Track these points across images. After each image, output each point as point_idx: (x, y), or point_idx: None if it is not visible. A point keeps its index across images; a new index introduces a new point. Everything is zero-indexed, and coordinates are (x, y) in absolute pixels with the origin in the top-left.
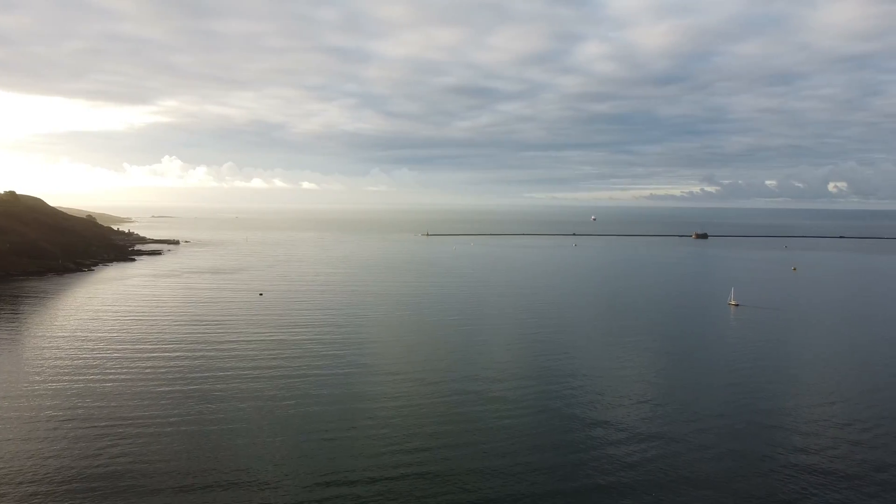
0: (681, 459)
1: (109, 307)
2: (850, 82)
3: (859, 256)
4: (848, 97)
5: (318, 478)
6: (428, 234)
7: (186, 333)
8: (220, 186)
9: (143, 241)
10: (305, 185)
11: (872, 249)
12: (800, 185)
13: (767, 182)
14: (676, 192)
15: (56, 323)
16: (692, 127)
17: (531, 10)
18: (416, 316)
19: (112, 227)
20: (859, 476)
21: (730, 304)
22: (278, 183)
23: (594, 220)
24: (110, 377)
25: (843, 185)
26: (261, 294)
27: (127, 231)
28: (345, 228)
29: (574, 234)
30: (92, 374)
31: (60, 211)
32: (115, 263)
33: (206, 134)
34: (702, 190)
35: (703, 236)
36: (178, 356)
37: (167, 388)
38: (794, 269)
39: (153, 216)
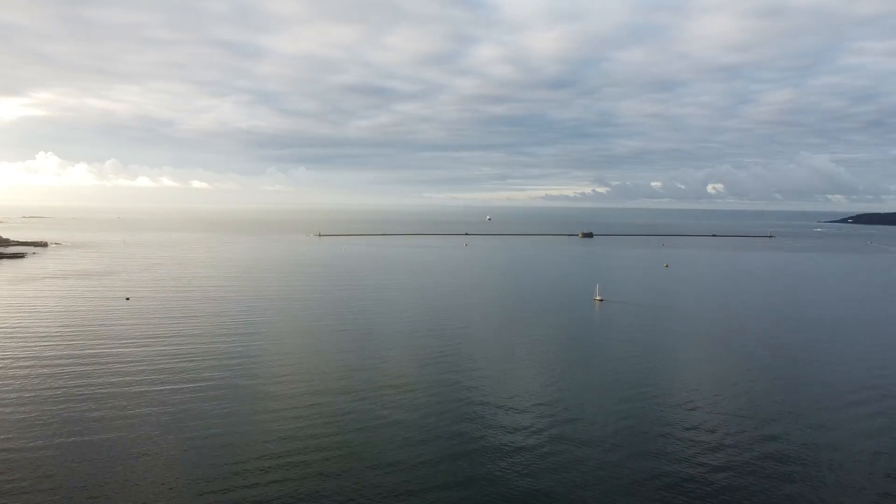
0: (518, 471)
1: None
2: (725, 91)
3: (726, 254)
4: (723, 104)
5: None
6: (320, 235)
7: (34, 345)
8: (103, 185)
9: (7, 243)
10: (196, 183)
11: (739, 247)
12: (682, 186)
13: (653, 183)
14: (570, 192)
15: None
16: (583, 130)
17: (426, 10)
18: (291, 320)
19: None
20: (696, 479)
21: (595, 299)
22: (167, 182)
23: (489, 219)
24: None
25: (720, 186)
26: (127, 299)
27: None
28: (235, 229)
29: (466, 234)
30: None
31: None
32: None
33: (86, 129)
34: (593, 191)
35: (589, 235)
36: (23, 371)
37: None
38: (666, 265)
39: (24, 216)
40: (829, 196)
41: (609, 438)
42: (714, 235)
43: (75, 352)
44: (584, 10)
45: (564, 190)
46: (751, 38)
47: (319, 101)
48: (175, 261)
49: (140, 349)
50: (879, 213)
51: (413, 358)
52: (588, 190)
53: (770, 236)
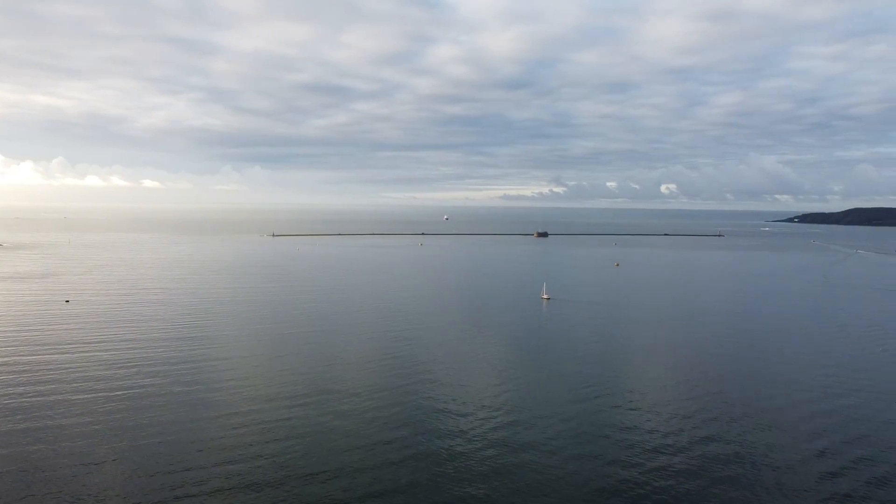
0: (459, 477)
1: None
2: (678, 92)
3: (677, 252)
4: (676, 106)
5: None
6: (274, 235)
7: None
8: (49, 184)
9: None
10: (148, 183)
11: (689, 246)
12: (636, 186)
13: (608, 184)
14: (528, 192)
15: None
16: (541, 130)
17: (383, 9)
18: (237, 324)
19: None
20: (639, 482)
21: (542, 298)
22: (117, 181)
23: (447, 219)
24: None
25: (673, 186)
26: (67, 301)
27: None
28: (187, 229)
29: (423, 234)
30: None
31: None
32: None
33: (32, 126)
34: (550, 191)
35: (544, 235)
36: None
37: None
38: (617, 264)
39: None
40: (777, 196)
41: (550, 442)
42: (666, 235)
43: (6, 358)
44: (541, 12)
45: (522, 190)
46: (701, 42)
47: (275, 100)
48: (121, 262)
49: (77, 355)
50: (823, 213)
51: (358, 361)
52: (545, 190)
53: (719, 235)
